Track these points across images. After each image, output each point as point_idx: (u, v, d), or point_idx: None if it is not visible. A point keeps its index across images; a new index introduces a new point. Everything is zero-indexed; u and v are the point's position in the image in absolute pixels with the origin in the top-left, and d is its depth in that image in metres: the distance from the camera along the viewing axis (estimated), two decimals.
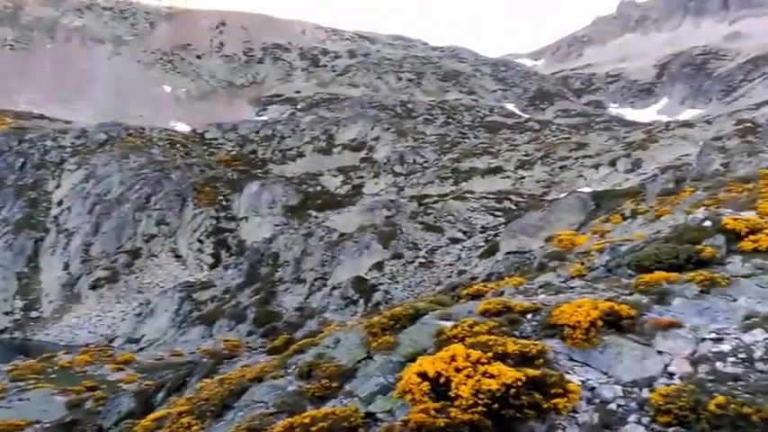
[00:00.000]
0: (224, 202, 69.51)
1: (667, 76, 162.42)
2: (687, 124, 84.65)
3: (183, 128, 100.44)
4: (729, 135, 41.13)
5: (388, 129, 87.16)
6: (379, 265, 47.30)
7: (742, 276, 9.64)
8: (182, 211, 67.02)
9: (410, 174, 74.42)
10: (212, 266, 61.25)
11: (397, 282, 44.44)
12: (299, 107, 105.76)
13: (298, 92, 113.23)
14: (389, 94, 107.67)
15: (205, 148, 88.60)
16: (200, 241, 64.69)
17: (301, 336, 21.68)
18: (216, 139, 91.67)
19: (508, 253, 42.58)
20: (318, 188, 74.21)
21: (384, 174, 75.84)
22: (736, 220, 12.16)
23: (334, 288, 44.53)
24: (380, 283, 44.43)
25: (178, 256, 63.24)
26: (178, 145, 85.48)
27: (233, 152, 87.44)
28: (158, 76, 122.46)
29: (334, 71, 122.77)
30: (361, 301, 42.19)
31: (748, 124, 55.77)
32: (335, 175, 78.23)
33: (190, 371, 20.09)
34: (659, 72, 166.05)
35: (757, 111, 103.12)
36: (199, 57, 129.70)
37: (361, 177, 77.11)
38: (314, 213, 65.03)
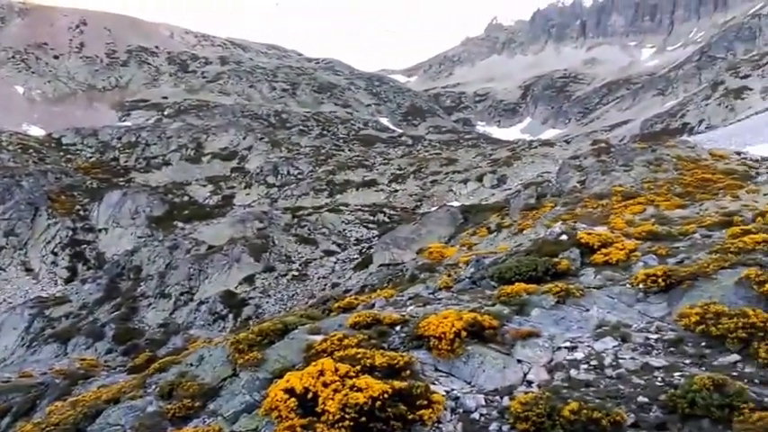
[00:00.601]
0: (82, 212, 65.30)
1: (531, 97, 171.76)
2: (548, 143, 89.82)
3: (37, 132, 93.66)
4: (586, 154, 43.76)
5: (262, 138, 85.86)
6: (249, 279, 46.21)
7: (594, 287, 10.21)
8: (34, 222, 62.26)
9: (284, 185, 73.63)
10: (68, 281, 57.18)
11: (269, 296, 43.54)
12: (165, 113, 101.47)
13: (165, 97, 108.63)
14: (263, 104, 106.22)
15: (62, 154, 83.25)
16: (55, 254, 60.32)
17: (165, 353, 20.77)
18: (74, 144, 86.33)
19: (381, 265, 42.98)
20: (186, 198, 71.46)
21: (257, 184, 74.50)
22: (589, 234, 12.96)
23: (201, 303, 42.83)
24: (251, 298, 43.34)
25: (29, 270, 58.58)
26: (31, 150, 79.77)
27: (92, 159, 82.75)
28: (10, 76, 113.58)
29: (204, 77, 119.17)
30: (231, 316, 40.90)
31: (603, 144, 59.80)
32: (204, 185, 75.73)
33: (40, 393, 18.67)
34: (523, 93, 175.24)
35: (611, 132, 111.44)
36: (56, 57, 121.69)
37: (232, 188, 75.29)
38: (180, 225, 62.53)
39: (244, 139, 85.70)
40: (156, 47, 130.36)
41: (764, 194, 26.24)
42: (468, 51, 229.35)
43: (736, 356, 6.79)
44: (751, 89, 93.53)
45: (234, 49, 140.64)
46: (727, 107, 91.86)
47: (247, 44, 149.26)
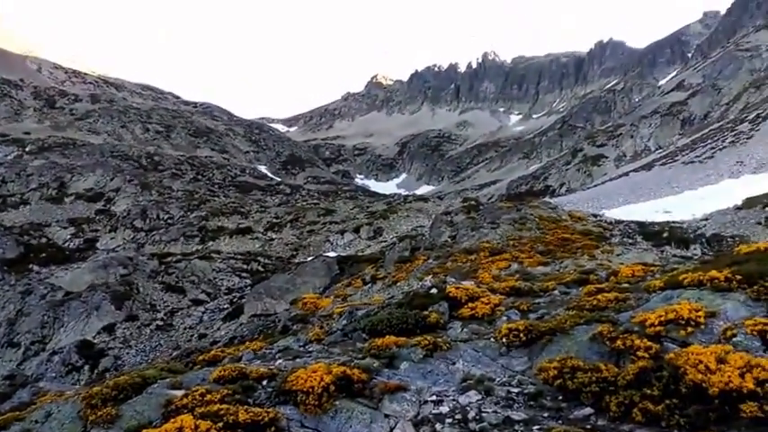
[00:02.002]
0: None
1: (407, 154, 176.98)
2: (422, 198, 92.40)
3: None
4: (457, 211, 45.33)
5: (131, 180, 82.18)
6: (110, 328, 43.45)
7: (461, 341, 10.37)
8: None
9: (152, 230, 70.52)
10: None
11: (131, 346, 41.02)
12: (27, 149, 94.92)
13: (27, 133, 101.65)
14: (134, 145, 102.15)
15: None
16: None
17: (8, 408, 18.90)
18: None
19: (252, 316, 41.92)
20: (44, 240, 66.56)
21: (123, 228, 70.84)
22: (458, 288, 13.24)
23: (54, 353, 39.64)
24: (110, 348, 40.63)
25: None
26: None
27: None
28: None
29: (72, 115, 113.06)
30: (87, 368, 38.04)
31: (472, 202, 62.47)
32: (65, 227, 70.82)
33: None
34: (400, 150, 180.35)
35: (480, 191, 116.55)
36: None
37: (96, 231, 71.04)
38: (36, 268, 58.19)
39: (111, 180, 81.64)
40: (21, 80, 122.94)
41: (617, 255, 28.18)
42: (348, 106, 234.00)
43: (589, 410, 7.09)
44: (606, 157, 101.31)
45: (107, 87, 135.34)
46: (585, 172, 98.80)
47: (121, 83, 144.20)
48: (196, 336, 42.57)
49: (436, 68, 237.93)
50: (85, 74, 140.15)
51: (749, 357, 7.07)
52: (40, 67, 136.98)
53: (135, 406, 8.80)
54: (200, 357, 14.30)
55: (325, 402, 7.88)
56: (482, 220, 38.81)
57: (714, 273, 10.34)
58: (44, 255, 61.61)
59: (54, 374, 37.41)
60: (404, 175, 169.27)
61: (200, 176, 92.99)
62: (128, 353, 40.16)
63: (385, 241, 62.90)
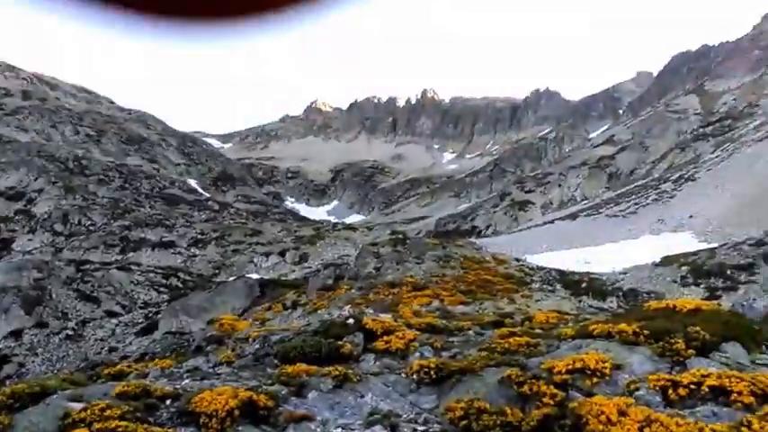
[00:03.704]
0: None
1: (340, 182, 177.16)
2: (351, 227, 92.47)
3: None
4: (384, 243, 45.64)
5: (55, 182, 78.99)
6: (17, 334, 41.28)
7: (372, 374, 10.36)
8: None
9: (72, 235, 67.85)
10: None
11: (37, 354, 39.08)
12: None
13: None
14: (63, 146, 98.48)
15: None
16: None
17: None
18: None
19: (167, 333, 40.74)
20: None
21: (42, 231, 67.86)
22: (374, 321, 13.23)
23: None
24: (15, 354, 38.60)
25: None
26: None
27: None
28: None
29: (1, 109, 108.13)
30: None
31: (400, 236, 62.92)
32: None
33: None
34: (334, 177, 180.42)
35: (409, 225, 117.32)
36: None
37: (13, 231, 67.88)
38: None
39: (35, 180, 78.25)
40: None
41: (536, 300, 28.82)
42: (285, 128, 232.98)
43: None
44: (533, 203, 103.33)
45: (40, 84, 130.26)
46: (511, 216, 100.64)
47: (56, 82, 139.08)
48: (106, 348, 41.04)
49: (375, 100, 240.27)
50: (20, 69, 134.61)
51: (649, 412, 7.23)
52: None
53: (30, 416, 8.38)
54: (106, 371, 13.76)
55: (228, 427, 7.69)
56: (408, 255, 39.12)
57: (623, 326, 10.53)
58: None
59: None
60: (335, 202, 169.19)
61: (127, 185, 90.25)
62: (33, 361, 38.28)
63: (310, 267, 62.51)
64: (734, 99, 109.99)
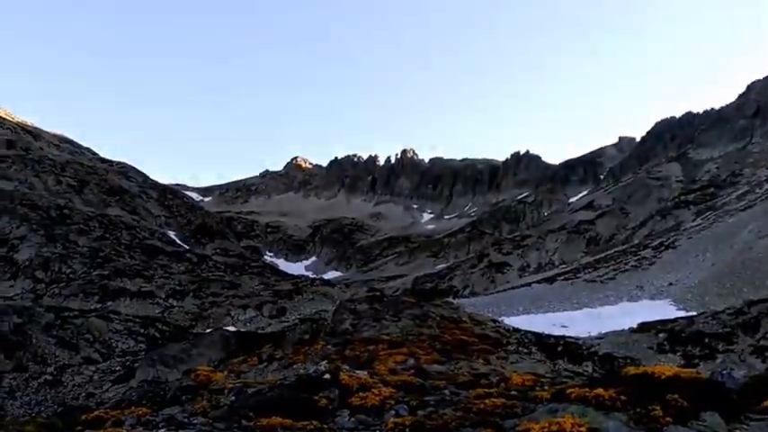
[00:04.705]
0: None
1: (319, 238, 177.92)
2: (329, 283, 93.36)
3: None
4: (361, 299, 46.63)
5: (37, 230, 79.51)
6: None
7: (347, 429, 10.71)
8: None
9: (53, 282, 68.20)
10: None
11: (16, 398, 39.47)
12: None
13: None
14: (45, 196, 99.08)
15: None
16: None
17: None
18: None
19: (144, 381, 41.28)
20: None
21: (23, 277, 68.19)
22: (351, 377, 13.71)
23: None
24: None
25: None
26: None
27: None
28: None
29: None
30: None
31: (377, 293, 63.96)
32: None
33: None
34: (313, 232, 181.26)
35: (387, 283, 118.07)
36: None
37: None
38: None
39: (17, 227, 78.68)
40: None
41: (512, 362, 29.07)
42: (266, 184, 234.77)
43: None
44: (511, 266, 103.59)
45: (23, 134, 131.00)
46: (488, 278, 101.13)
47: (39, 132, 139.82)
48: (84, 394, 41.47)
49: (356, 158, 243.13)
50: (4, 118, 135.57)
51: None
52: None
53: None
54: (83, 417, 13.86)
55: None
56: (385, 312, 39.89)
57: (600, 391, 10.37)
58: None
59: None
60: (313, 258, 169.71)
61: (107, 235, 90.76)
62: (12, 404, 38.60)
63: (287, 321, 63.38)
64: (717, 167, 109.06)
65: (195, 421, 11.86)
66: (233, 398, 13.98)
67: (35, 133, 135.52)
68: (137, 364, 46.50)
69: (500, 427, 9.85)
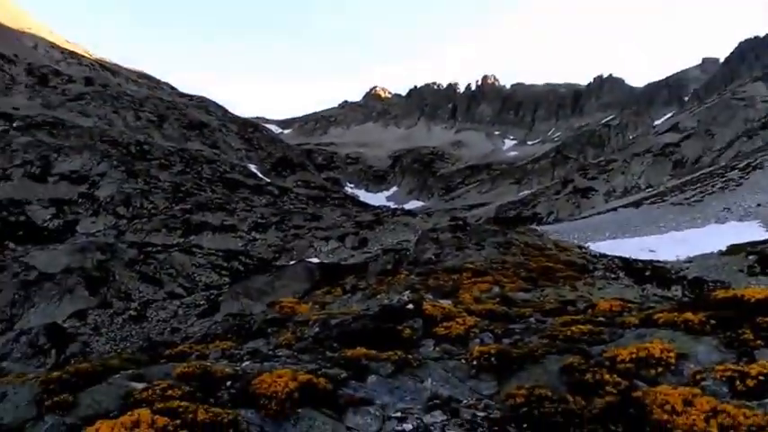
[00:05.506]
0: None
1: (399, 168, 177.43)
2: (411, 213, 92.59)
3: None
4: (443, 229, 45.57)
5: (118, 167, 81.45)
6: (81, 314, 42.91)
7: (431, 359, 10.29)
8: None
9: (135, 218, 70.00)
10: None
11: (101, 334, 40.57)
12: (14, 125, 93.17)
13: (16, 108, 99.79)
14: (125, 132, 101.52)
15: None
16: None
17: None
18: None
19: (228, 315, 41.71)
20: (22, 218, 65.51)
21: (105, 213, 70.07)
22: (434, 306, 13.16)
23: (21, 333, 39.06)
24: (80, 334, 40.10)
25: None
26: None
27: None
28: None
29: (64, 95, 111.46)
30: (54, 351, 37.45)
31: (460, 222, 62.76)
32: (46, 207, 69.72)
33: None
34: (393, 163, 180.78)
35: (469, 211, 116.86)
36: None
37: (77, 213, 70.24)
38: (12, 245, 57.17)
39: (98, 164, 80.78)
40: (15, 55, 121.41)
41: (599, 288, 28.16)
42: (344, 115, 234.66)
43: None
44: (596, 190, 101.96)
45: (102, 71, 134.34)
46: (574, 203, 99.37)
47: (117, 68, 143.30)
48: (169, 329, 42.27)
49: (435, 86, 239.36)
50: (82, 55, 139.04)
51: (716, 402, 7.03)
52: (37, 44, 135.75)
53: (93, 395, 8.55)
54: (167, 352, 13.92)
55: (288, 409, 7.72)
56: (468, 241, 38.89)
57: (689, 315, 10.28)
58: (21, 232, 60.78)
59: (19, 355, 36.92)
60: (394, 188, 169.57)
61: (188, 169, 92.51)
62: (97, 340, 39.76)
63: (369, 252, 62.93)
64: None
65: (280, 353, 11.88)
66: (317, 329, 13.80)
67: (113, 70, 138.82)
68: (221, 298, 47.10)
69: (587, 353, 9.69)
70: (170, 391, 8.14)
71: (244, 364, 10.55)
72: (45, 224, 66.04)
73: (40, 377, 9.67)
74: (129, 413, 7.14)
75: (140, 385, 8.66)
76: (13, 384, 9.92)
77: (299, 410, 7.74)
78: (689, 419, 6.76)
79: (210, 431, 7.02)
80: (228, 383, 8.91)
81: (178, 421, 7.00)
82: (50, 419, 8.02)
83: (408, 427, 7.47)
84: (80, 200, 73.26)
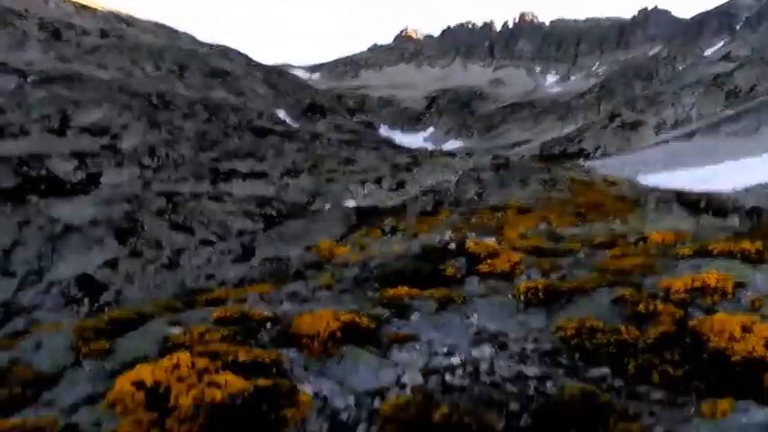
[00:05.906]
0: None
1: (435, 108, 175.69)
2: (450, 154, 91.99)
3: None
4: (485, 168, 45.48)
5: (140, 118, 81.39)
6: (112, 263, 43.85)
7: (476, 296, 10.38)
8: None
9: (160, 168, 70.36)
10: None
11: (133, 282, 41.56)
12: (29, 80, 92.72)
13: (30, 63, 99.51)
14: (145, 82, 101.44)
15: None
16: None
17: (0, 336, 19.29)
18: None
19: (265, 259, 42.24)
20: (44, 172, 65.74)
21: (129, 165, 70.25)
22: (477, 244, 13.26)
23: (52, 284, 40.09)
24: (112, 283, 41.09)
25: None
26: None
27: None
28: None
29: (79, 48, 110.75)
30: (87, 300, 38.52)
31: (502, 161, 62.18)
32: (68, 160, 69.86)
33: None
34: (429, 103, 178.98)
35: (511, 150, 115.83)
36: None
37: (100, 165, 70.47)
38: (35, 200, 57.72)
39: (119, 116, 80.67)
40: (26, 10, 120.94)
41: (651, 221, 27.91)
42: (375, 57, 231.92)
43: (606, 370, 7.07)
44: (645, 123, 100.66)
45: (117, 23, 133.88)
46: (622, 137, 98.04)
47: (133, 20, 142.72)
48: (204, 276, 43.10)
49: (470, 26, 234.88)
50: (95, 8, 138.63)
51: None
52: None
53: (130, 341, 8.85)
54: (204, 297, 14.17)
55: (331, 348, 7.86)
56: (511, 179, 38.80)
57: (746, 244, 10.31)
58: (44, 186, 61.29)
59: (51, 306, 38.08)
60: (431, 129, 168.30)
61: (213, 118, 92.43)
62: (130, 289, 40.73)
63: (408, 194, 62.74)
64: None
65: (319, 295, 12.14)
66: (357, 270, 14.09)
67: (128, 21, 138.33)
68: (256, 243, 47.61)
69: (639, 285, 9.68)
70: (208, 335, 8.33)
71: (283, 307, 10.75)
72: (68, 177, 66.45)
73: (74, 325, 9.95)
74: (168, 357, 7.20)
75: (178, 330, 8.88)
76: (48, 333, 10.25)
77: (343, 349, 7.84)
78: (748, 345, 6.73)
79: (252, 372, 7.07)
80: (268, 325, 9.09)
81: (219, 363, 7.07)
82: (88, 365, 8.26)
83: (456, 360, 7.53)
84: (102, 152, 73.47)
